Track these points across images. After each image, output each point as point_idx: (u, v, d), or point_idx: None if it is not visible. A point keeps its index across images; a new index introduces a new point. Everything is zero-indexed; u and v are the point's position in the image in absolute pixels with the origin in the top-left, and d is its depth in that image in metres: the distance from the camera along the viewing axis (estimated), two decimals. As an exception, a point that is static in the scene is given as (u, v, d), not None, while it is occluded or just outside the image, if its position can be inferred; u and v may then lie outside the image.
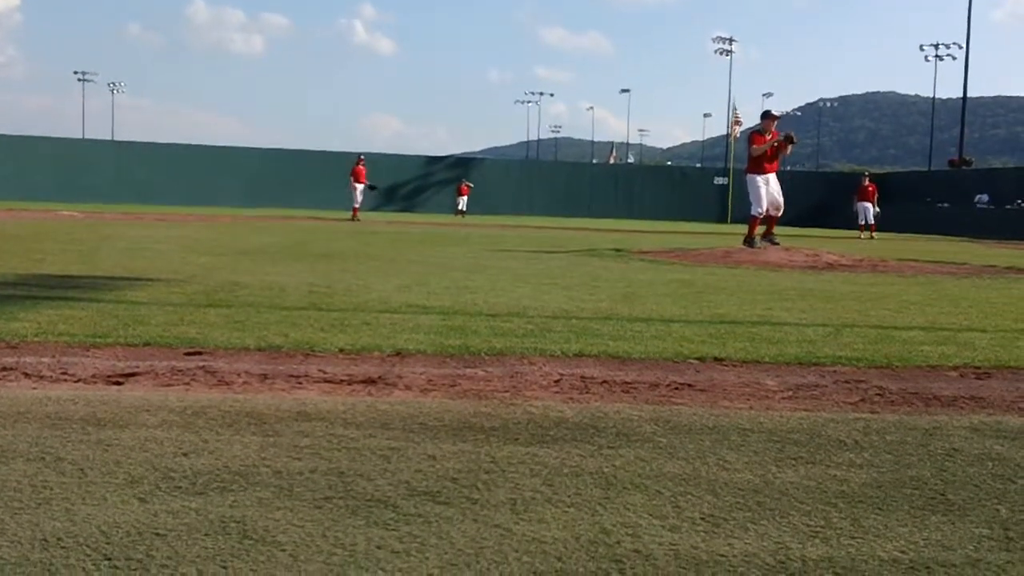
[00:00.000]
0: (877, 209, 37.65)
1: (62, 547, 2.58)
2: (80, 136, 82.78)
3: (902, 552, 2.74)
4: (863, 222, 37.64)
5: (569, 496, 3.16)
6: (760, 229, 18.82)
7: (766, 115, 18.77)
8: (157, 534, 2.70)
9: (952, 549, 2.77)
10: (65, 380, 4.90)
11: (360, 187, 38.96)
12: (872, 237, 36.08)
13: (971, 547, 2.79)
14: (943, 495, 3.30)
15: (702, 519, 2.97)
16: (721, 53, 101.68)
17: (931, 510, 3.13)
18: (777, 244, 18.39)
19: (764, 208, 18.47)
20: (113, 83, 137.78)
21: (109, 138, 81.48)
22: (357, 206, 39.04)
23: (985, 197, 50.18)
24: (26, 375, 4.97)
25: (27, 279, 9.84)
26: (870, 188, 38.20)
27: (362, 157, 40.73)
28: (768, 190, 18.38)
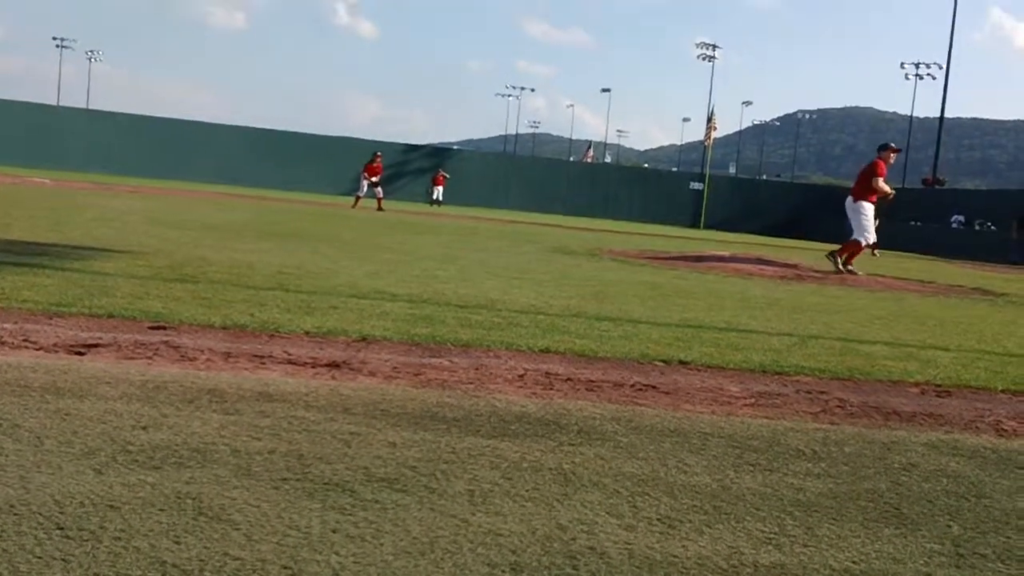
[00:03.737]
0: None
1: (14, 514, 2.56)
2: (55, 103, 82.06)
3: (854, 563, 2.75)
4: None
5: (527, 490, 3.16)
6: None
7: (885, 147, 17.90)
8: (111, 506, 2.68)
9: (903, 563, 2.79)
10: (26, 347, 4.86)
11: (370, 180, 38.89)
12: (874, 254, 35.90)
13: (922, 562, 2.81)
14: (897, 509, 3.32)
15: (658, 520, 2.98)
16: (704, 59, 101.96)
17: (885, 523, 3.15)
18: (856, 275, 17.15)
19: (871, 239, 17.91)
20: (91, 51, 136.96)
21: (84, 106, 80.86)
22: (361, 195, 38.92)
23: (961, 217, 50.56)
24: (-13, 340, 4.92)
25: (-6, 244, 9.75)
26: None
27: (379, 154, 40.51)
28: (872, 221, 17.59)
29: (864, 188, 17.67)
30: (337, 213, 28.37)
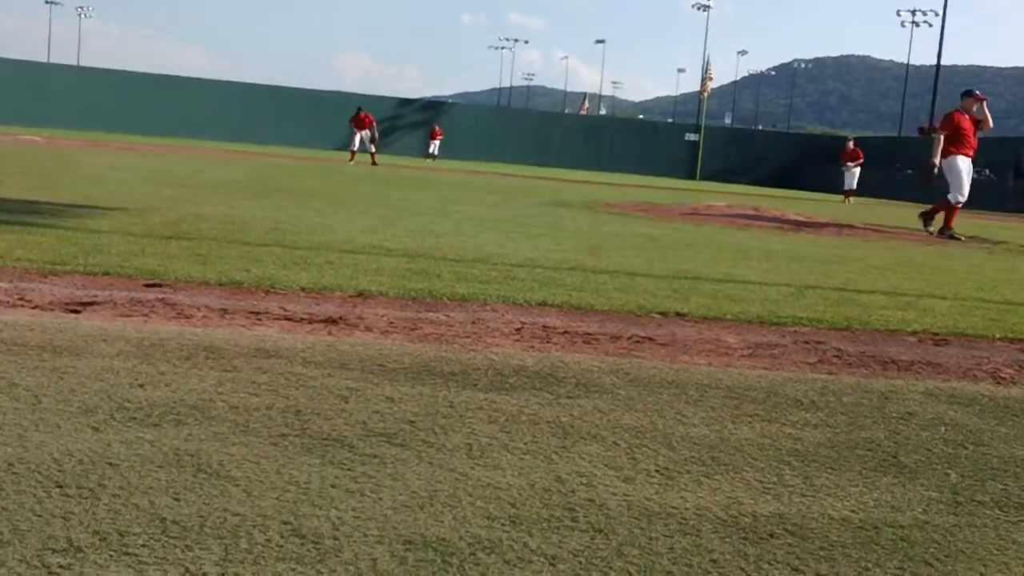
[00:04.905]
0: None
1: (13, 473, 2.56)
2: (45, 60, 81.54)
3: (852, 511, 2.76)
4: (851, 187, 36.76)
5: (526, 443, 3.16)
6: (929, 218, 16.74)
7: (968, 94, 16.56)
8: (110, 464, 2.68)
9: (901, 511, 2.80)
10: (22, 306, 4.85)
11: (361, 134, 38.93)
12: (849, 201, 35.73)
13: (920, 509, 2.82)
14: (895, 457, 3.33)
15: (657, 471, 2.98)
16: (698, 8, 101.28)
17: (883, 472, 3.16)
18: (960, 239, 16.00)
19: (965, 195, 16.52)
20: (80, 7, 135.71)
21: (75, 63, 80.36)
22: (354, 149, 38.97)
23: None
24: (-17, 299, 4.91)
25: (-13, 203, 9.71)
26: (857, 152, 37.45)
27: (360, 107, 40.73)
28: (966, 176, 16.44)
29: (948, 141, 16.31)
30: (332, 168, 28.28)
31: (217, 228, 8.77)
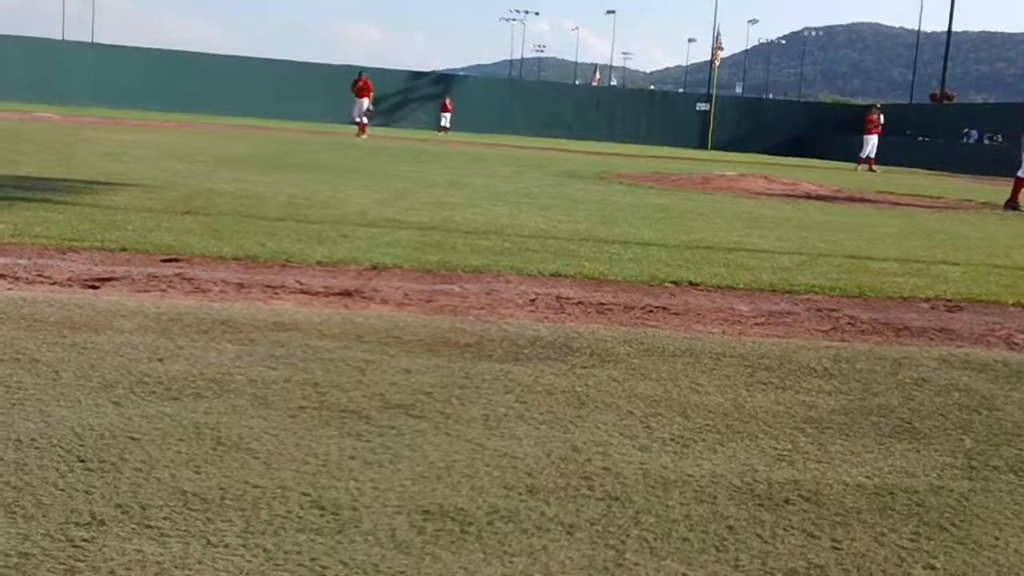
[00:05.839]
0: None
1: (36, 447, 2.59)
2: (60, 37, 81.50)
3: (867, 478, 2.78)
4: (868, 155, 36.12)
5: (541, 414, 3.19)
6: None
7: None
8: (131, 438, 2.71)
9: (916, 476, 2.82)
10: (41, 282, 4.89)
11: (359, 103, 37.31)
12: (872, 169, 35.18)
13: (935, 475, 2.84)
14: (909, 423, 3.34)
15: (672, 440, 3.01)
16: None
17: (897, 438, 3.17)
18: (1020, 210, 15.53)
19: None
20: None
21: (89, 40, 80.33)
22: (358, 120, 37.29)
23: (975, 132, 49.81)
24: (1, 276, 4.95)
25: (3, 180, 9.74)
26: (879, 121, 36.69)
27: (362, 74, 38.90)
28: None
29: None
30: (344, 142, 28.26)
31: (232, 203, 8.80)
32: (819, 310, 5.46)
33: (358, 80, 37.52)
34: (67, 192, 8.99)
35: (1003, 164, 40.57)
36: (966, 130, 50.34)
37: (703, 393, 3.58)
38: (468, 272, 5.93)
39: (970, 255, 8.55)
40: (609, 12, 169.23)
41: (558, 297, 5.34)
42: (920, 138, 51.23)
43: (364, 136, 34.99)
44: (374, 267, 5.90)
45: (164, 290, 4.89)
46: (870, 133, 35.81)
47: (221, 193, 9.64)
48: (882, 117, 36.56)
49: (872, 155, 35.79)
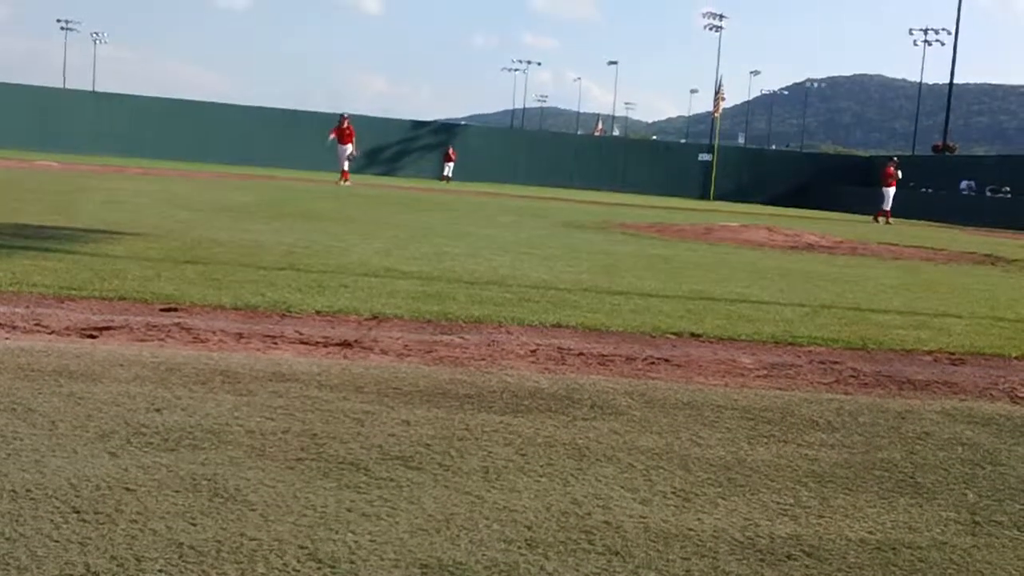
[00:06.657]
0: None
1: (31, 499, 2.57)
2: (61, 85, 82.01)
3: (870, 532, 2.75)
4: (887, 207, 35.99)
5: (542, 466, 3.16)
6: None
7: None
8: (127, 489, 2.69)
9: (919, 531, 2.79)
10: (38, 331, 4.87)
11: (341, 149, 36.38)
12: (888, 222, 35.06)
13: (938, 530, 2.81)
14: (912, 478, 3.32)
15: (673, 493, 2.98)
16: (711, 28, 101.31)
17: (900, 492, 3.15)
18: None
19: None
20: (96, 33, 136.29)
21: (90, 89, 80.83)
22: (344, 169, 36.37)
23: (972, 184, 49.97)
24: None
25: (2, 228, 9.76)
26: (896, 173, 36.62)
27: (344, 116, 37.97)
28: None
29: None
30: (344, 191, 28.33)
31: (232, 252, 8.80)
32: (822, 362, 5.44)
33: (341, 123, 36.66)
34: (66, 240, 9.00)
35: (1007, 217, 40.68)
36: (964, 182, 50.47)
37: (705, 446, 3.55)
38: (469, 323, 5.92)
39: (973, 307, 8.54)
40: (611, 63, 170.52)
41: (559, 348, 5.32)
42: (923, 189, 51.34)
43: (347, 183, 34.27)
44: (374, 317, 5.89)
45: (163, 339, 4.88)
46: (889, 185, 35.90)
47: (221, 242, 9.65)
48: (900, 172, 36.70)
49: (888, 207, 35.86)
